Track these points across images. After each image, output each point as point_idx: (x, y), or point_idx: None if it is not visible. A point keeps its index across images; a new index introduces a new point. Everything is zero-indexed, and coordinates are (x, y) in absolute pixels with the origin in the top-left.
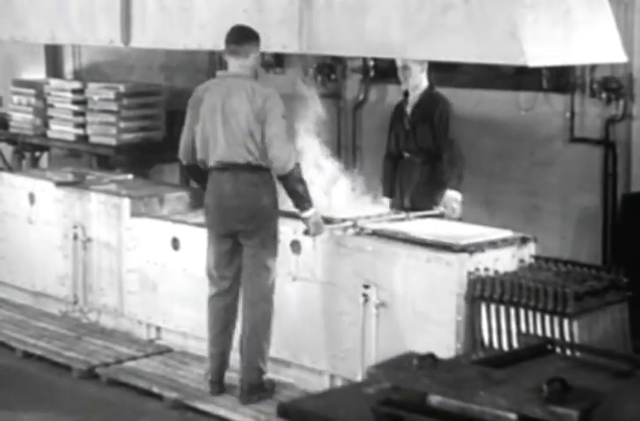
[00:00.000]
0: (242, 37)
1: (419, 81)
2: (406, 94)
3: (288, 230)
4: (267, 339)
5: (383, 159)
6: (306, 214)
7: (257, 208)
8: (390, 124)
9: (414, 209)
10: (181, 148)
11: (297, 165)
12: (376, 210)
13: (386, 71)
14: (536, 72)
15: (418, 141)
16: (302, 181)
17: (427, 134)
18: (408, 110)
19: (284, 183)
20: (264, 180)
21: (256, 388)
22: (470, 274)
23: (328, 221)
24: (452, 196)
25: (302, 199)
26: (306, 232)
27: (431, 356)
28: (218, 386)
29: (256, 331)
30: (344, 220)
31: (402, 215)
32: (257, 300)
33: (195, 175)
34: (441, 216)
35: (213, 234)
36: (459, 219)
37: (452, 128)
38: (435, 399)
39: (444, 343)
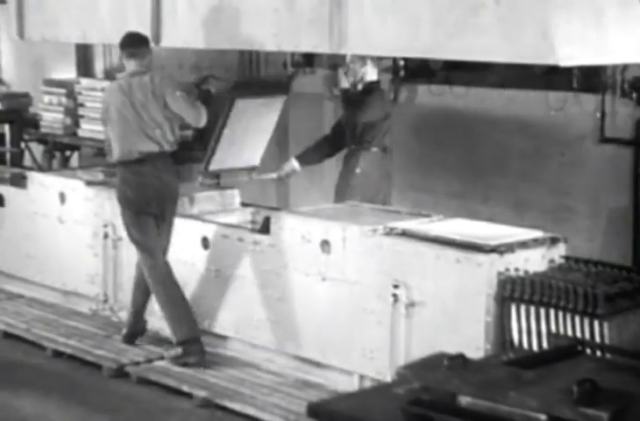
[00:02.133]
0: (139, 41)
1: (361, 76)
2: (354, 87)
3: (318, 230)
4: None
5: (324, 137)
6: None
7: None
8: (339, 117)
9: None
10: (106, 148)
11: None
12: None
13: (416, 71)
14: (567, 72)
15: (357, 128)
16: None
17: (364, 121)
18: (349, 101)
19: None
20: (173, 167)
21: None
22: (500, 274)
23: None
24: (291, 164)
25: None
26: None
27: (461, 356)
28: (131, 338)
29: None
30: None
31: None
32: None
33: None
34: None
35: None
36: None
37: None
38: (465, 400)
39: (473, 343)
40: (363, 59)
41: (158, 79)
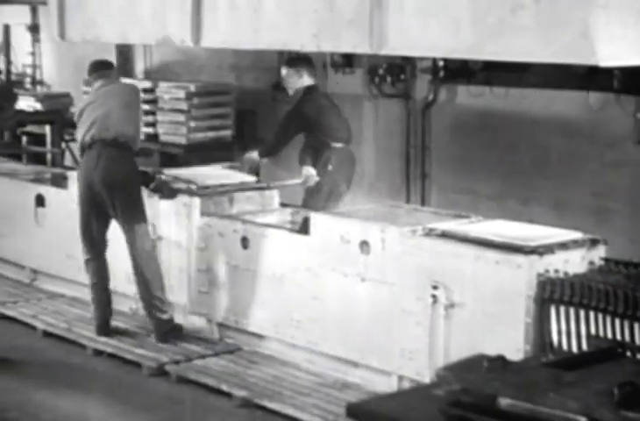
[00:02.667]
0: (103, 66)
1: (299, 84)
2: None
3: (357, 230)
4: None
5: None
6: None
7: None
8: None
9: None
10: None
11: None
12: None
13: (455, 71)
14: (608, 72)
15: (288, 129)
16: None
17: (299, 124)
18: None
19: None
20: (127, 154)
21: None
22: (540, 275)
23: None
24: (308, 172)
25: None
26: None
27: (501, 358)
28: (104, 329)
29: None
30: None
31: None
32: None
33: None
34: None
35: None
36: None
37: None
38: (505, 401)
39: (512, 345)
40: (298, 72)
41: (133, 86)
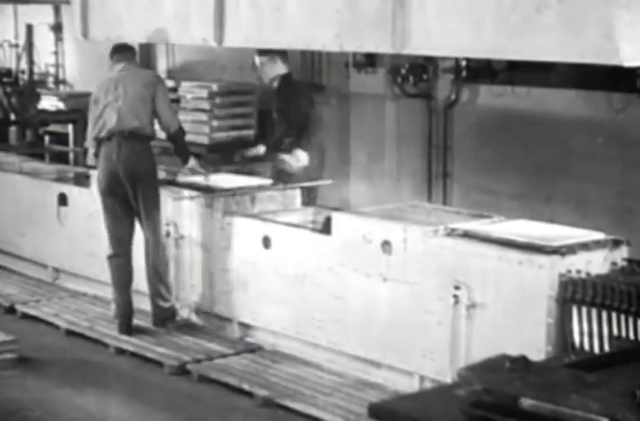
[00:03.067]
0: (125, 49)
1: (273, 72)
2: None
3: (379, 230)
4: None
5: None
6: (187, 166)
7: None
8: None
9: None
10: (88, 140)
11: (180, 127)
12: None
13: (478, 71)
14: (631, 72)
15: (278, 126)
16: (185, 141)
17: (283, 120)
18: (274, 97)
19: (173, 141)
20: (146, 146)
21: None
22: (561, 276)
23: (211, 190)
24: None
25: (182, 154)
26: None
27: (523, 358)
28: (126, 327)
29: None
30: (225, 190)
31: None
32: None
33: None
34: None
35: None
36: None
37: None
38: (526, 402)
39: (534, 345)
40: (273, 59)
41: (157, 75)
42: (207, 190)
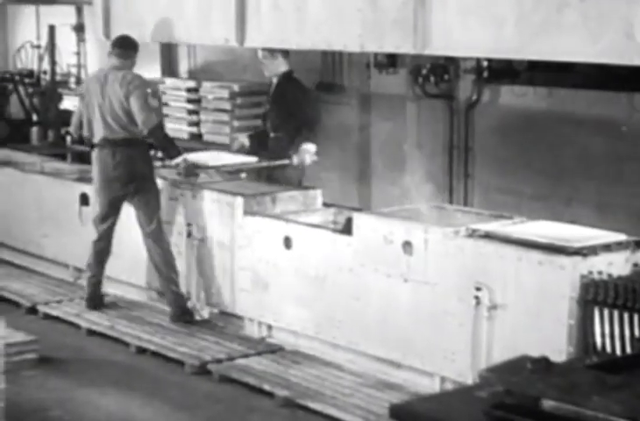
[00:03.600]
0: (127, 44)
1: (275, 68)
2: (270, 81)
3: (400, 231)
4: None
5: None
6: (175, 161)
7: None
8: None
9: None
10: (73, 125)
11: (158, 124)
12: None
13: (499, 71)
14: None
15: (274, 118)
16: (165, 137)
17: (279, 113)
18: (271, 91)
19: (152, 139)
20: (139, 151)
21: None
22: (583, 277)
23: (197, 167)
24: (307, 148)
25: (167, 151)
26: (179, 174)
27: (545, 360)
28: (93, 302)
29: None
30: (210, 167)
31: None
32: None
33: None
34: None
35: (102, 197)
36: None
37: (302, 106)
38: (548, 404)
39: (555, 346)
40: (273, 55)
41: (130, 76)
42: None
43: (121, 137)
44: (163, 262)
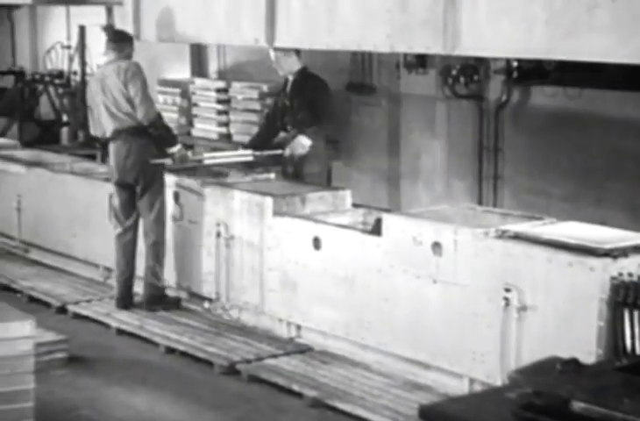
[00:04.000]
0: (121, 37)
1: (290, 66)
2: (286, 79)
3: (429, 232)
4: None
5: (263, 123)
6: (172, 150)
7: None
8: (274, 103)
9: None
10: (90, 126)
11: (158, 115)
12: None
13: (529, 72)
14: None
15: (295, 113)
16: (164, 127)
17: (301, 107)
18: (288, 89)
19: (151, 130)
20: (148, 139)
21: (155, 301)
22: (613, 279)
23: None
24: (301, 140)
25: (166, 140)
26: (174, 162)
27: (574, 361)
28: (123, 302)
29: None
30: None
31: (248, 153)
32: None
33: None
34: (281, 156)
35: (119, 188)
36: (299, 170)
37: (324, 98)
38: (578, 405)
39: (585, 348)
40: (288, 54)
41: (125, 65)
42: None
43: (129, 125)
44: (152, 252)
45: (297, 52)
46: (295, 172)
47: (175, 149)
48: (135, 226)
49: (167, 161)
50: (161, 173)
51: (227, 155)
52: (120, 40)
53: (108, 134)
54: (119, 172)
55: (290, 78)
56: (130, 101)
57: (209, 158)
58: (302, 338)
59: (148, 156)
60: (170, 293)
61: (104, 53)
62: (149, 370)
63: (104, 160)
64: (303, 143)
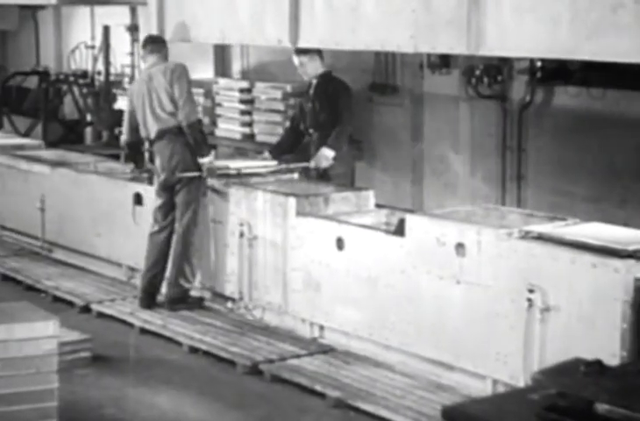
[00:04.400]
0: (156, 39)
1: (314, 70)
2: (310, 82)
3: (452, 232)
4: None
5: (288, 126)
6: (203, 160)
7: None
8: (298, 106)
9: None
10: (125, 130)
11: (198, 119)
12: (260, 164)
13: (553, 72)
14: None
15: (318, 116)
16: (202, 133)
17: (324, 110)
18: (311, 92)
19: (188, 132)
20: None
21: (178, 301)
22: (637, 280)
23: (217, 168)
24: (324, 153)
25: (200, 147)
26: (201, 176)
27: (598, 363)
28: (147, 301)
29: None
30: (228, 168)
31: (273, 164)
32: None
33: (134, 152)
34: (308, 169)
35: (160, 188)
36: (324, 171)
37: (346, 102)
38: (602, 407)
39: (608, 350)
40: (313, 58)
41: (173, 65)
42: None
43: (172, 125)
44: (184, 252)
45: (320, 55)
46: (320, 173)
47: (207, 160)
48: (171, 226)
49: (195, 174)
50: (200, 176)
51: (253, 166)
52: (156, 41)
53: (152, 136)
54: (164, 171)
55: (314, 81)
56: (174, 101)
57: (236, 169)
58: (324, 338)
59: (189, 156)
60: (194, 293)
61: (142, 57)
62: (172, 369)
63: (151, 160)
64: (327, 155)
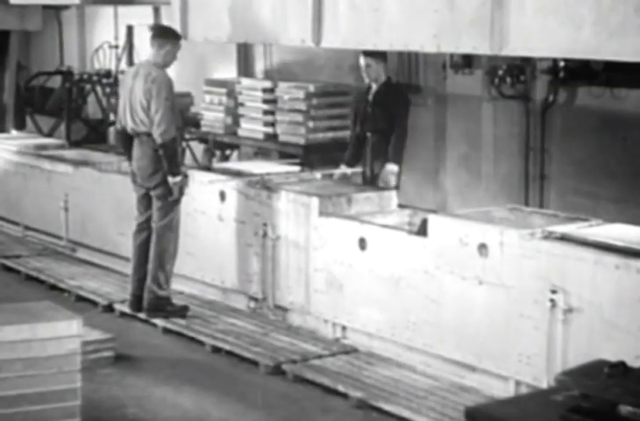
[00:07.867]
0: (159, 33)
1: (378, 74)
2: (369, 86)
3: (475, 233)
4: (163, 268)
5: (351, 135)
6: (172, 179)
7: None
8: (355, 110)
9: (374, 177)
10: (118, 116)
11: (173, 138)
12: (284, 169)
13: (576, 72)
14: None
15: (376, 122)
16: (175, 153)
17: (383, 116)
18: (370, 97)
19: (161, 151)
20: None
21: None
22: None
23: (239, 174)
24: (390, 169)
25: (171, 166)
26: (171, 194)
27: (622, 364)
28: (136, 305)
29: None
30: (252, 174)
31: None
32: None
33: (123, 140)
34: (381, 188)
35: (135, 188)
36: (395, 189)
37: (404, 112)
38: (625, 409)
39: (632, 352)
40: (379, 63)
41: (154, 76)
42: (237, 174)
43: (144, 131)
44: (157, 259)
45: (385, 60)
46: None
47: (176, 179)
48: (149, 228)
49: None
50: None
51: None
52: (159, 36)
53: (128, 130)
54: (135, 171)
55: (374, 86)
56: (148, 115)
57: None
58: (347, 338)
59: (154, 165)
60: (216, 293)
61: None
62: (195, 369)
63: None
64: (392, 170)
